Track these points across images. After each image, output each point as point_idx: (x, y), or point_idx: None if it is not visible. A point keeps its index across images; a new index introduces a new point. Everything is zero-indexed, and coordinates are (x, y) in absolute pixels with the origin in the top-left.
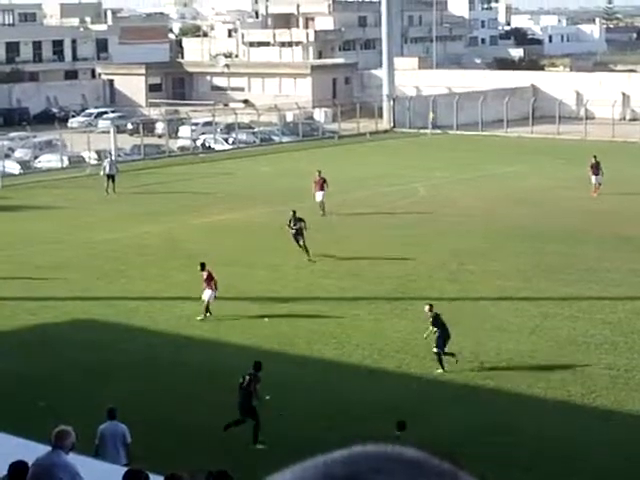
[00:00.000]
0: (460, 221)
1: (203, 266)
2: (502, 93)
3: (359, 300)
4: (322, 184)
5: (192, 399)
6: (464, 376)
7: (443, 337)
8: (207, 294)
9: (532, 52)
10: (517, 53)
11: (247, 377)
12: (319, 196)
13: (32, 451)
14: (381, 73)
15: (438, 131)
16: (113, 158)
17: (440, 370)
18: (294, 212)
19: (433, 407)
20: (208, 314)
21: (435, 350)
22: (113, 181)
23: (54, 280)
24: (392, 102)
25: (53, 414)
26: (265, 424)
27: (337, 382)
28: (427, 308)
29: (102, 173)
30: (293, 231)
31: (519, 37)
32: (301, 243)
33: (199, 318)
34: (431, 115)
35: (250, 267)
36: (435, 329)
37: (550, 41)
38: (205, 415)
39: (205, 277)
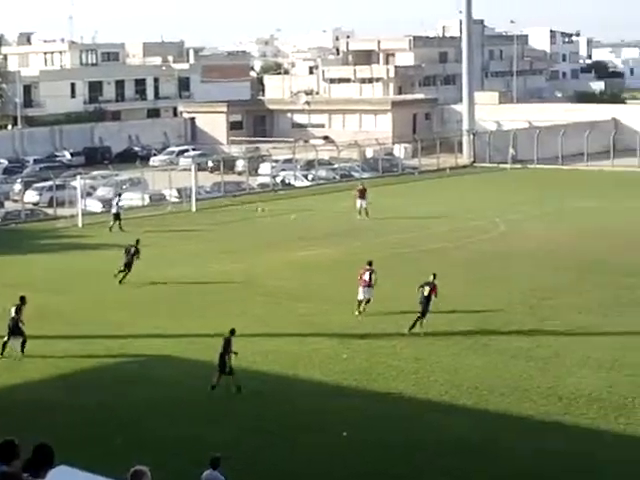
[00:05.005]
0: (540, 255)
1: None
2: (583, 127)
3: (437, 335)
4: (363, 193)
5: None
6: (543, 411)
7: None
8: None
9: (613, 85)
10: (598, 86)
11: None
12: (359, 203)
13: None
14: (461, 108)
15: (518, 165)
16: (120, 199)
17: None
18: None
19: (508, 442)
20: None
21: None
22: (118, 219)
23: (133, 317)
24: (472, 137)
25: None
26: (335, 455)
27: (414, 418)
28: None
29: (112, 212)
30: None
31: (600, 70)
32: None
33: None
34: (511, 150)
35: (327, 302)
36: None
37: (632, 74)
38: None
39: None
